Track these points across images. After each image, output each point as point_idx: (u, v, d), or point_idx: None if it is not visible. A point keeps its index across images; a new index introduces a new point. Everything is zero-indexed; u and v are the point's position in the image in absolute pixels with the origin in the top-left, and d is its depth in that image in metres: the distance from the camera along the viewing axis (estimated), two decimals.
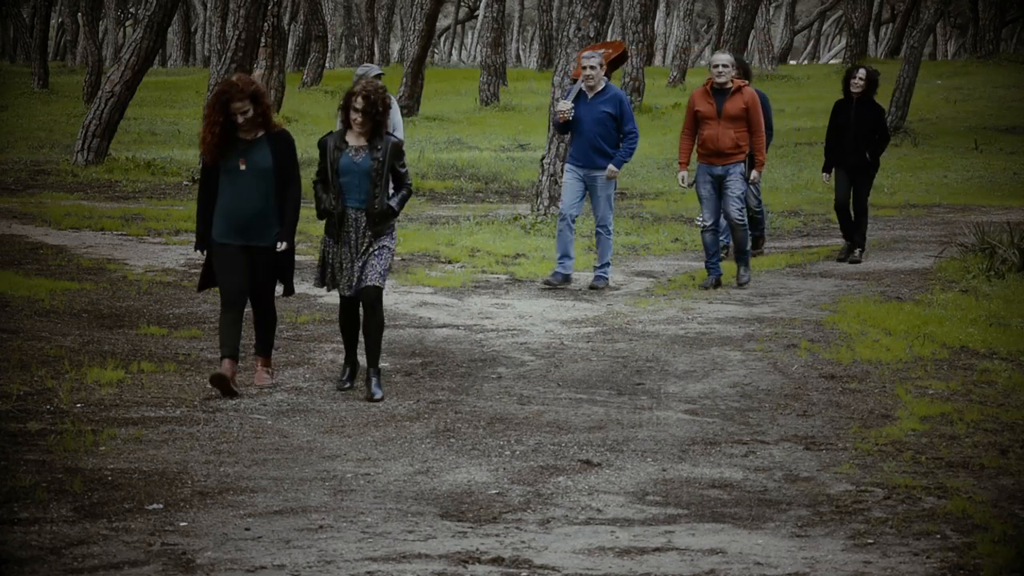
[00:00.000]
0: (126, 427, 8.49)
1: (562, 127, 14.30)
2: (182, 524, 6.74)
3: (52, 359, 10.01)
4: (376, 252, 9.43)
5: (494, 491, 7.42)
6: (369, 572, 6.13)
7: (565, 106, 14.09)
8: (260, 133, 9.38)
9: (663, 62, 61.09)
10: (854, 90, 15.61)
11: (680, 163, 14.14)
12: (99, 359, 10.10)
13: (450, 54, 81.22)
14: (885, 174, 27.32)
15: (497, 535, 6.69)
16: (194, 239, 9.67)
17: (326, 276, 9.57)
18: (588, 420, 8.89)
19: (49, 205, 18.61)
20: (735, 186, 13.76)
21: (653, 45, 59.26)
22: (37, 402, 8.93)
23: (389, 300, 13.01)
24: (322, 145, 9.53)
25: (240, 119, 9.24)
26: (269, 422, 8.78)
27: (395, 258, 9.83)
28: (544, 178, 18.97)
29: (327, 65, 48.46)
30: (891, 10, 67.70)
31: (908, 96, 33.43)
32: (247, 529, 6.68)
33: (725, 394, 9.62)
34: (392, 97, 13.90)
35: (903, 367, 10.35)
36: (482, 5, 54.33)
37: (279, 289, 9.70)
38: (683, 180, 14.07)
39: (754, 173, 14.07)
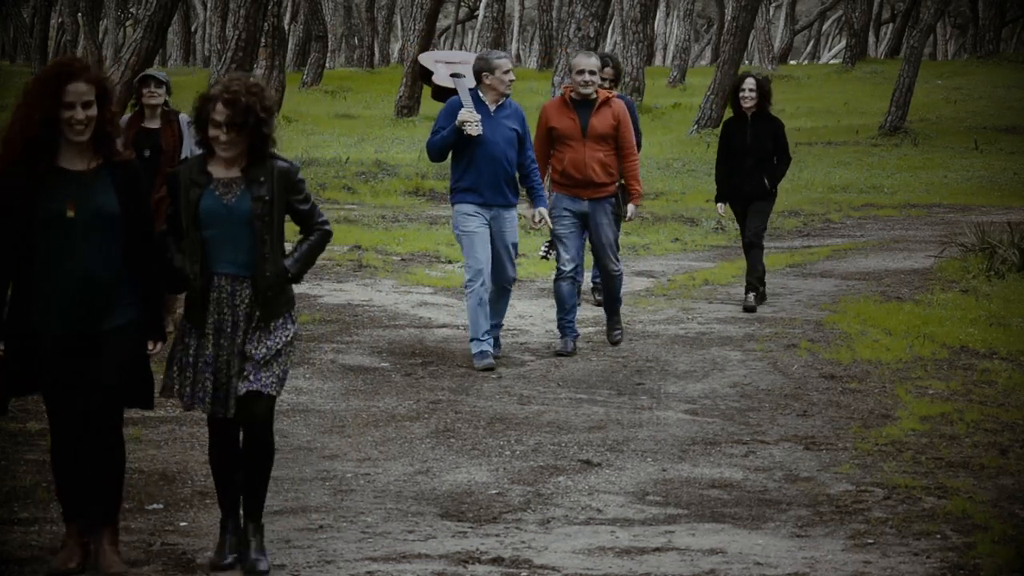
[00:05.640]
0: (126, 427, 8.40)
1: (442, 152, 10.38)
2: (182, 524, 6.74)
3: None
4: (268, 347, 6.12)
5: (494, 491, 7.41)
6: (369, 572, 6.13)
7: (475, 116, 10.20)
8: (97, 162, 6.00)
9: (663, 62, 61.19)
10: (745, 104, 12.67)
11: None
12: None
13: None
14: (885, 174, 27.37)
15: (497, 535, 6.68)
16: None
17: (172, 376, 6.22)
18: (588, 420, 8.89)
19: None
20: (608, 232, 10.90)
21: (653, 45, 59.29)
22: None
23: (389, 300, 12.98)
24: (171, 181, 6.16)
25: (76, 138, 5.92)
26: None
27: (298, 339, 6.41)
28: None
29: (327, 65, 48.43)
30: (891, 10, 67.72)
31: (908, 96, 33.44)
32: None
33: (725, 394, 9.62)
34: (183, 115, 10.94)
35: (903, 367, 10.34)
36: (482, 5, 54.34)
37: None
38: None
39: (630, 208, 10.97)
